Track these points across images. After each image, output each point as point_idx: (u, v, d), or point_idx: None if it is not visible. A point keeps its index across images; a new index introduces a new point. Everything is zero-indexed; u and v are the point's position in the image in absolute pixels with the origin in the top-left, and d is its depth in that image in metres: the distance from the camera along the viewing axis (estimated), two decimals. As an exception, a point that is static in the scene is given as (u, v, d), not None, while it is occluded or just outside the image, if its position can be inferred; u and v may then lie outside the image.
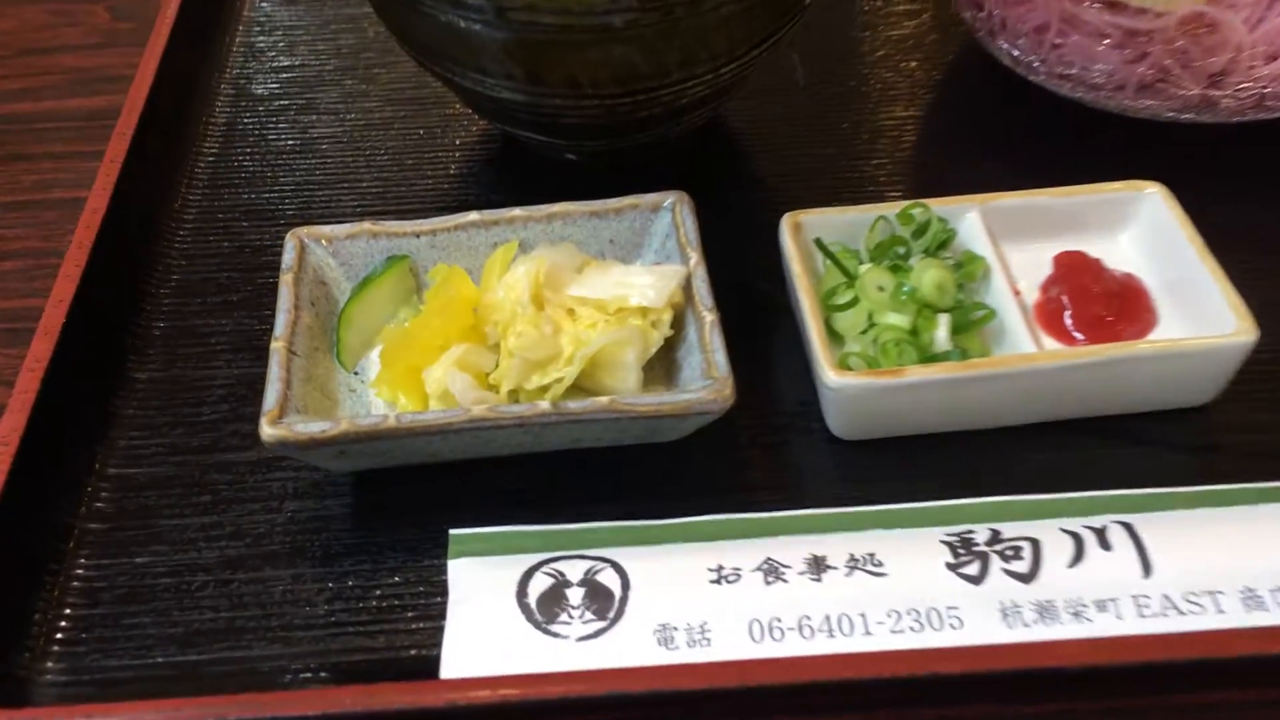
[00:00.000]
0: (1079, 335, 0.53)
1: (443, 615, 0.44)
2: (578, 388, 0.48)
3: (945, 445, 0.50)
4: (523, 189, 0.63)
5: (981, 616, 0.44)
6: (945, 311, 0.51)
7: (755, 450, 0.51)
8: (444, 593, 0.44)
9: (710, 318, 0.49)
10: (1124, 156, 0.62)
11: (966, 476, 0.49)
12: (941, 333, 0.50)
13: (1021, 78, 0.64)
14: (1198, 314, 0.52)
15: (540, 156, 0.64)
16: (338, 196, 0.63)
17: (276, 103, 0.69)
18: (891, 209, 0.55)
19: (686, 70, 0.55)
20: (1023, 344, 0.50)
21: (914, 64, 0.70)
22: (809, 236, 0.54)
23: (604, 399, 0.46)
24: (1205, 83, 0.59)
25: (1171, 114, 0.61)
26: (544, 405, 0.45)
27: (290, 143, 0.66)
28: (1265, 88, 0.59)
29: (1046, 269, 0.55)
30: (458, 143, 0.67)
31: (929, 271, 0.51)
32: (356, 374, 0.51)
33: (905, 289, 0.51)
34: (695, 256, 0.51)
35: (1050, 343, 0.52)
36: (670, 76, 0.55)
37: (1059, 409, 0.51)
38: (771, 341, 0.55)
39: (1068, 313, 0.53)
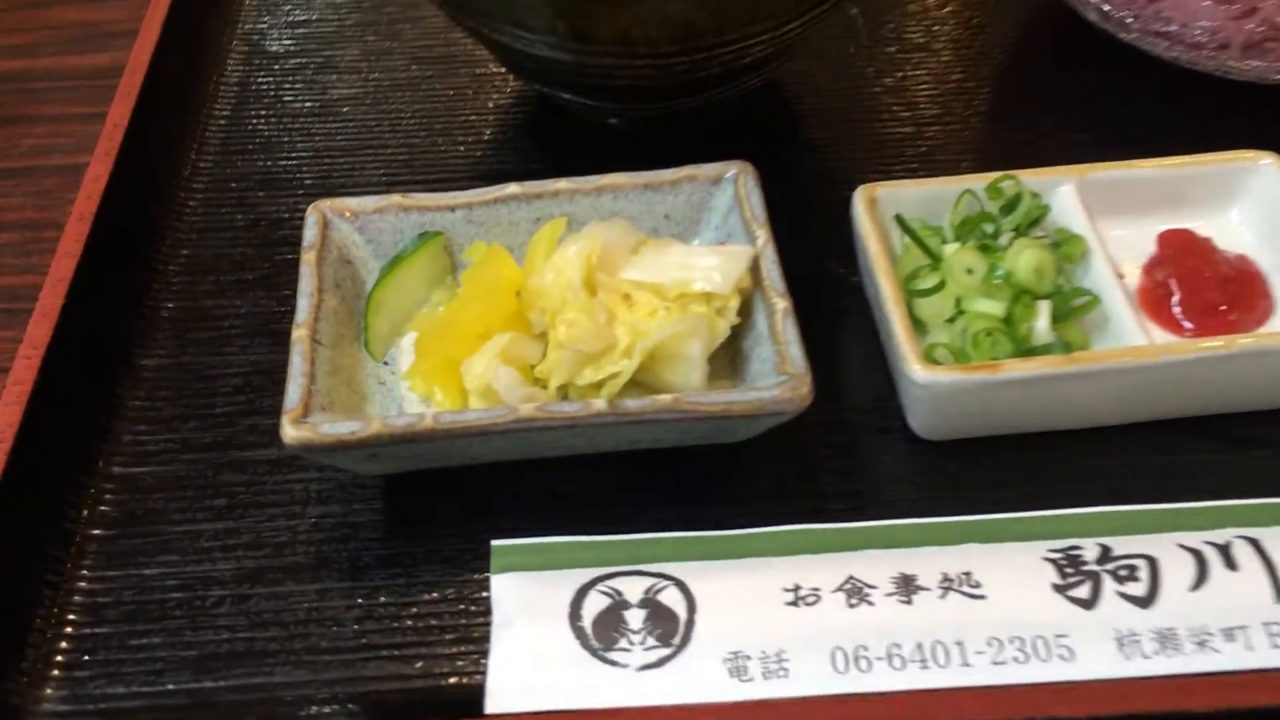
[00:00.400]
0: (1188, 324, 0.47)
1: (486, 639, 0.39)
2: (634, 383, 0.43)
3: (1039, 446, 0.45)
4: (562, 157, 0.58)
5: (1095, 646, 0.39)
6: (1044, 298, 0.46)
7: (826, 451, 0.46)
8: (487, 612, 0.40)
9: (783, 305, 0.43)
10: (1227, 123, 0.56)
11: (1066, 482, 0.44)
12: (1041, 322, 0.45)
13: (1111, 36, 0.58)
14: (1323, 301, 0.46)
15: (580, 121, 0.58)
16: (361, 164, 0.58)
17: (293, 60, 0.63)
18: (978, 181, 0.49)
19: (749, 27, 0.49)
20: (1129, 334, 0.45)
21: (989, 21, 0.64)
22: (885, 212, 0.49)
23: (666, 397, 0.40)
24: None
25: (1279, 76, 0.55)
26: (600, 404, 0.40)
27: (309, 104, 0.61)
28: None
29: (1149, 249, 0.50)
30: (491, 105, 0.61)
31: (1026, 252, 0.46)
32: (386, 364, 0.46)
33: (999, 272, 0.46)
34: (763, 235, 0.46)
35: (1157, 332, 0.47)
36: (730, 34, 0.49)
37: (1170, 407, 0.45)
38: (841, 328, 0.50)
39: (1176, 299, 0.48)
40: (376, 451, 0.40)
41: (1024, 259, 0.46)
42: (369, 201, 0.48)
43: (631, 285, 0.44)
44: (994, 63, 0.62)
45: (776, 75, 0.60)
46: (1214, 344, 0.43)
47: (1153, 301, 0.48)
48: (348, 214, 0.48)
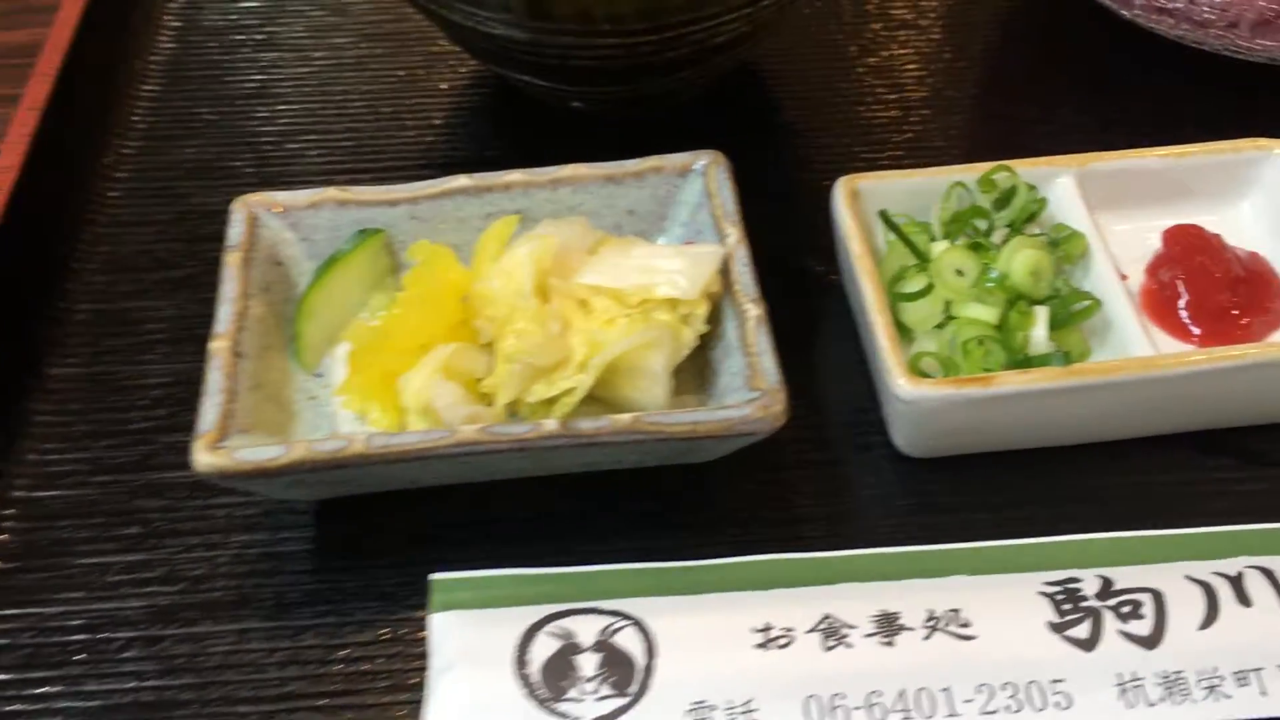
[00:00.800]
0: (1196, 329, 0.44)
1: (422, 686, 0.35)
2: (593, 399, 0.39)
3: (1036, 464, 0.42)
4: (523, 146, 0.54)
5: (1094, 693, 0.35)
6: (1040, 302, 0.42)
7: (803, 471, 0.42)
8: (425, 656, 0.36)
9: (755, 312, 0.39)
10: (1237, 109, 0.52)
11: (1065, 505, 0.41)
12: (1039, 330, 0.41)
13: (1114, 13, 0.54)
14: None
15: (542, 105, 0.54)
16: (302, 151, 0.53)
17: (230, 37, 0.58)
18: (969, 173, 0.45)
19: (721, 3, 0.45)
20: (1134, 343, 0.41)
21: (982, -4, 0.60)
22: (869, 207, 0.45)
23: (625, 417, 0.36)
24: (1342, 19, 0.50)
25: (1294, 57, 0.51)
26: (550, 425, 0.36)
27: (246, 85, 0.56)
28: None
29: (1154, 246, 0.46)
30: (446, 87, 0.57)
31: (1021, 252, 0.42)
32: (319, 376, 0.42)
33: (991, 274, 0.42)
34: (735, 233, 0.42)
35: (1163, 339, 0.44)
36: (704, 9, 0.45)
37: (1178, 421, 0.42)
38: (821, 333, 0.46)
39: (1183, 301, 0.44)
40: (301, 478, 0.36)
41: (1019, 260, 0.42)
42: (301, 196, 0.43)
43: (589, 290, 0.40)
44: (987, 41, 0.58)
45: (753, 55, 0.56)
46: (1225, 354, 0.40)
47: (1158, 304, 0.44)
48: (278, 210, 0.43)
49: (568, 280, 0.40)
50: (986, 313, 0.41)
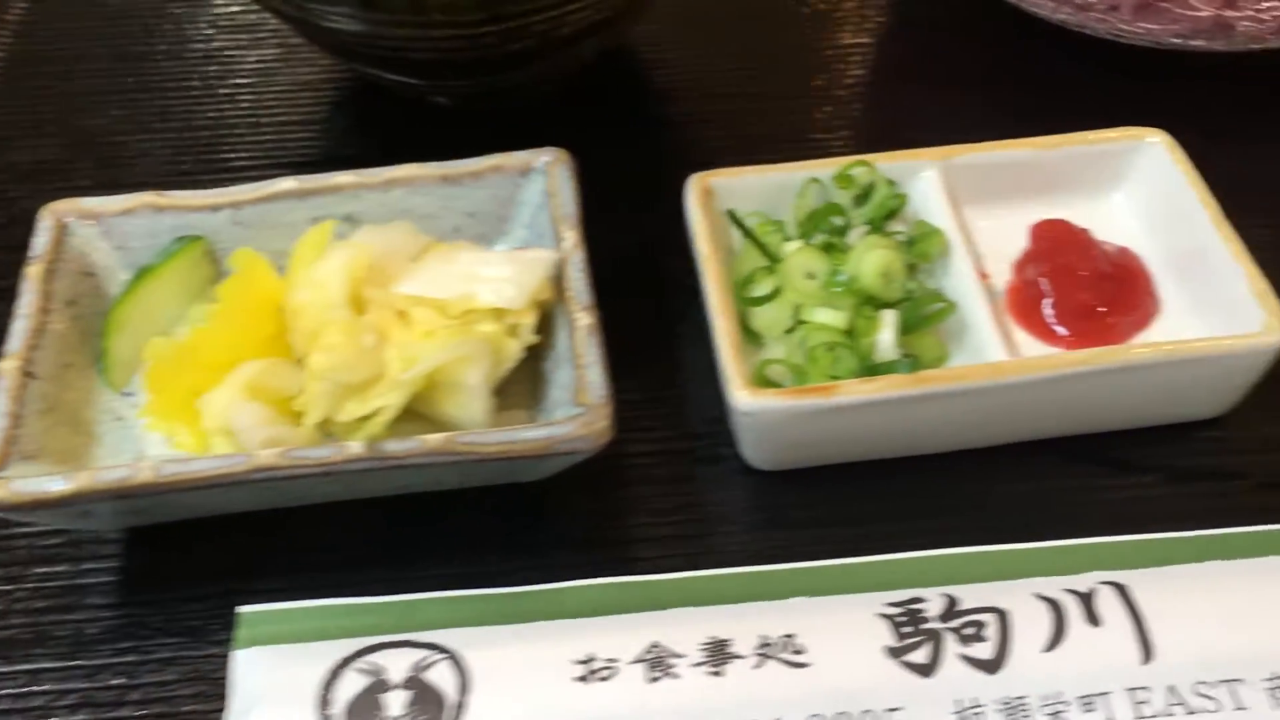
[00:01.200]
0: (1062, 329, 0.42)
1: (222, 731, 0.33)
2: (415, 415, 0.37)
3: (894, 474, 0.40)
4: (385, 144, 0.51)
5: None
6: (891, 306, 0.40)
7: (646, 487, 0.39)
8: (225, 697, 0.34)
9: (585, 320, 0.37)
10: (1121, 96, 0.50)
11: (921, 518, 0.39)
12: (886, 335, 0.39)
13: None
14: (1210, 299, 0.41)
15: (405, 100, 0.51)
16: (148, 151, 0.51)
17: (74, 29, 0.55)
18: (825, 168, 0.43)
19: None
20: (989, 347, 0.39)
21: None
22: (724, 204, 0.43)
23: (436, 438, 0.34)
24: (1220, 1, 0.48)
25: (1177, 40, 0.49)
26: (355, 448, 0.34)
27: (89, 81, 0.53)
28: (1295, 7, 0.48)
29: (1022, 243, 0.44)
30: (305, 81, 0.54)
31: (872, 254, 0.40)
32: (129, 395, 0.39)
33: (841, 277, 0.40)
34: (571, 237, 0.39)
35: (1025, 340, 0.42)
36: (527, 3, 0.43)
37: (1035, 428, 0.40)
38: (675, 337, 0.44)
39: (1048, 301, 0.42)
40: (89, 509, 0.34)
41: (869, 261, 0.39)
42: (114, 201, 0.41)
43: (409, 301, 0.38)
44: (870, 28, 0.56)
45: (626, 42, 0.54)
46: (1081, 358, 0.38)
47: (1022, 304, 0.42)
48: (89, 217, 0.41)
49: (386, 290, 0.38)
50: (835, 317, 0.39)
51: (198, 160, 0.51)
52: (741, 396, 0.37)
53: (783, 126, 0.51)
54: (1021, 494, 0.39)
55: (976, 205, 0.44)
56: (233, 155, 0.51)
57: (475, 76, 0.47)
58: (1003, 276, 0.43)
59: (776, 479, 0.40)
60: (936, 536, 0.38)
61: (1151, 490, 0.39)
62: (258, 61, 0.54)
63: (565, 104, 0.51)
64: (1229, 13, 0.48)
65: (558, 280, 0.39)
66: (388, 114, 0.53)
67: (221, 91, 0.53)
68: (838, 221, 0.42)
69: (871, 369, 0.39)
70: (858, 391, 0.37)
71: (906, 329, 0.39)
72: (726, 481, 0.40)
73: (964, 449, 0.40)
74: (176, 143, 0.51)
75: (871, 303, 0.40)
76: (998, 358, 0.39)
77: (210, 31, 0.55)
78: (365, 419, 0.36)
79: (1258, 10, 0.48)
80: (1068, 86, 0.51)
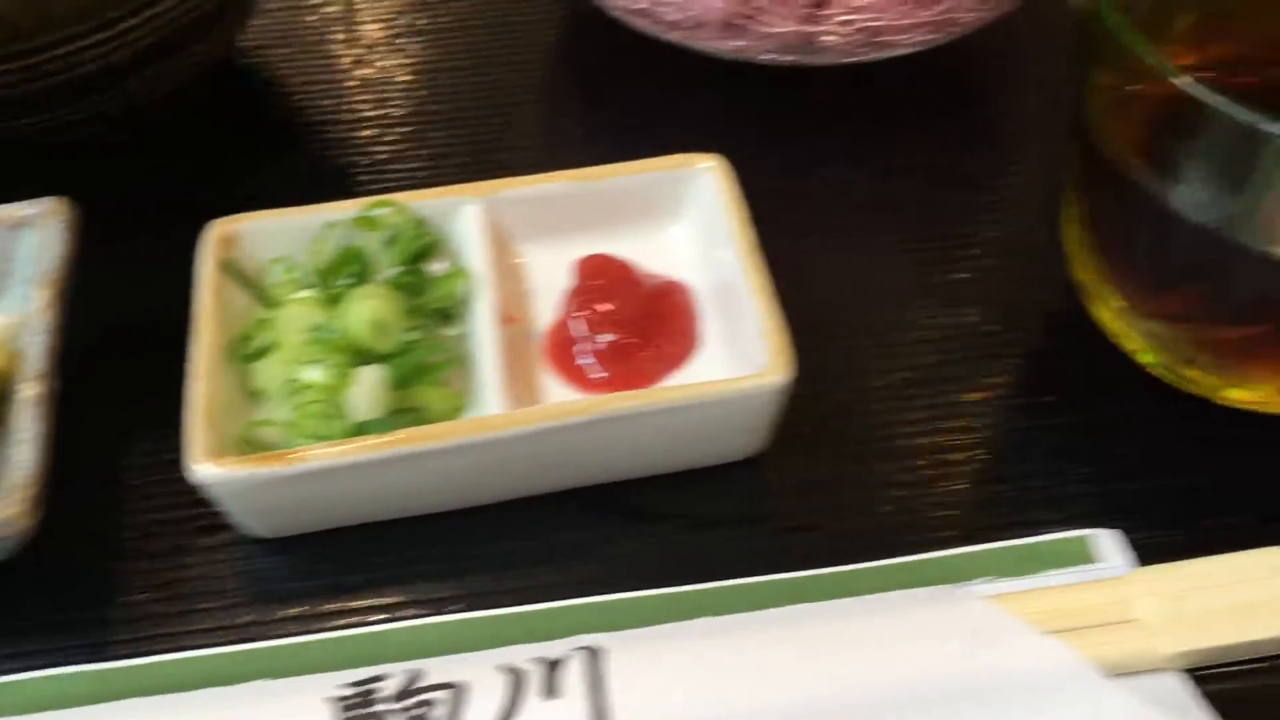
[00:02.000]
0: (596, 372, 0.40)
1: None
2: None
3: (413, 533, 0.37)
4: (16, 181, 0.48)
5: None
6: (388, 358, 0.38)
7: (133, 563, 0.37)
8: None
9: (33, 391, 0.35)
10: (728, 113, 0.49)
11: (423, 582, 0.36)
12: (361, 392, 0.36)
13: (609, 18, 0.50)
14: (740, 335, 0.39)
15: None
16: None
17: None
18: (347, 210, 0.41)
19: (58, 29, 0.40)
20: (493, 398, 0.37)
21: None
22: (250, 252, 0.40)
23: None
24: (800, 15, 0.46)
25: (769, 57, 0.47)
26: None
27: None
28: (874, 19, 0.46)
29: (568, 280, 0.42)
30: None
31: (362, 304, 0.37)
32: None
33: (331, 330, 0.37)
34: (43, 296, 0.37)
35: (557, 386, 0.40)
36: (38, 39, 0.40)
37: (546, 480, 0.38)
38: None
39: (583, 342, 0.40)
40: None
41: (357, 312, 0.37)
42: None
43: None
44: (484, 48, 0.53)
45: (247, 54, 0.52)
46: (551, 411, 0.35)
47: (557, 346, 0.41)
48: None
49: None
50: (320, 374, 0.37)
51: None
52: (196, 467, 0.34)
53: (384, 156, 0.49)
54: (533, 550, 0.37)
55: (531, 241, 0.43)
56: None
57: (35, 114, 0.44)
58: (549, 315, 0.41)
59: (273, 548, 0.37)
60: (436, 604, 0.36)
61: (675, 538, 0.38)
62: None
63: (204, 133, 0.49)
64: (808, 28, 0.46)
65: (19, 345, 0.36)
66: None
67: None
68: (361, 268, 0.40)
69: (360, 428, 0.36)
70: (318, 457, 0.34)
71: (403, 383, 0.37)
72: (216, 554, 0.37)
73: (482, 504, 0.38)
74: None
75: (366, 356, 0.37)
76: (498, 409, 0.37)
77: None
78: None
79: (838, 26, 0.46)
80: (667, 105, 0.50)
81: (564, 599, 0.36)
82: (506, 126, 0.50)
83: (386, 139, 0.50)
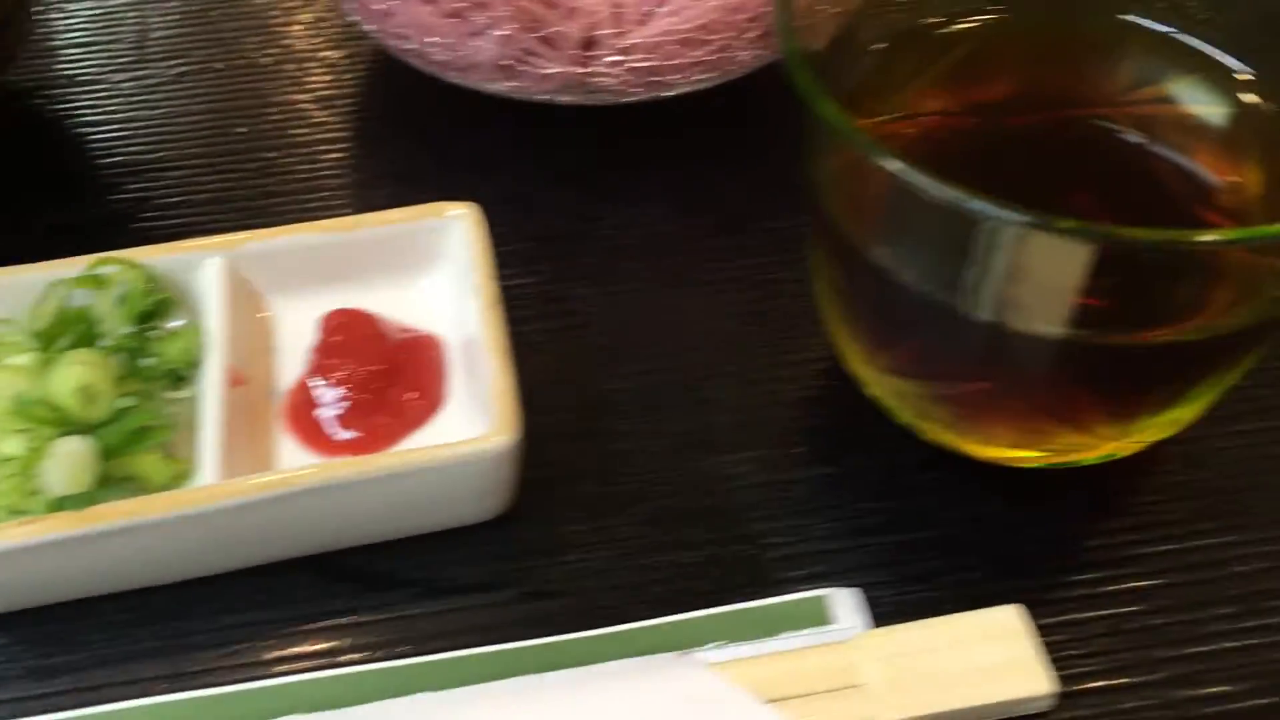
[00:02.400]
0: (336, 433, 0.38)
1: None
2: None
3: (107, 612, 0.35)
4: None
5: None
6: (96, 427, 0.36)
7: None
8: None
9: None
10: (490, 158, 0.48)
11: (128, 663, 0.35)
12: (56, 463, 0.34)
13: (404, 64, 0.48)
14: (481, 393, 0.38)
15: None
16: None
17: None
18: (74, 267, 0.39)
19: None
20: (209, 466, 0.36)
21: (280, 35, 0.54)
22: (-11, 310, 0.39)
23: None
24: (569, 57, 0.45)
25: (546, 96, 0.46)
26: None
27: None
28: (644, 60, 0.45)
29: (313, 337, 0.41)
30: None
31: (69, 370, 0.35)
32: None
33: (31, 398, 0.36)
34: None
35: (294, 448, 0.38)
36: None
37: (274, 550, 0.36)
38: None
39: (324, 404, 0.38)
40: None
41: (62, 379, 0.35)
42: None
43: None
44: (274, 90, 0.52)
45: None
46: (261, 484, 0.34)
47: (298, 406, 0.39)
48: None
49: None
50: (21, 444, 0.35)
51: None
52: None
53: (175, 207, 0.47)
54: (258, 624, 0.35)
55: (281, 295, 0.41)
56: None
57: None
58: (293, 375, 0.40)
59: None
60: (142, 685, 0.34)
61: (409, 606, 0.36)
62: None
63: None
64: (579, 69, 0.45)
65: None
66: None
67: None
68: (86, 330, 0.38)
69: (60, 503, 0.35)
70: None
71: (114, 452, 0.36)
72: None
73: (207, 574, 0.36)
74: None
75: (75, 425, 0.36)
76: (214, 478, 0.35)
77: None
78: None
79: (609, 67, 0.45)
80: (458, 146, 0.48)
81: (286, 676, 0.34)
82: (289, 170, 0.48)
83: (162, 184, 0.48)
